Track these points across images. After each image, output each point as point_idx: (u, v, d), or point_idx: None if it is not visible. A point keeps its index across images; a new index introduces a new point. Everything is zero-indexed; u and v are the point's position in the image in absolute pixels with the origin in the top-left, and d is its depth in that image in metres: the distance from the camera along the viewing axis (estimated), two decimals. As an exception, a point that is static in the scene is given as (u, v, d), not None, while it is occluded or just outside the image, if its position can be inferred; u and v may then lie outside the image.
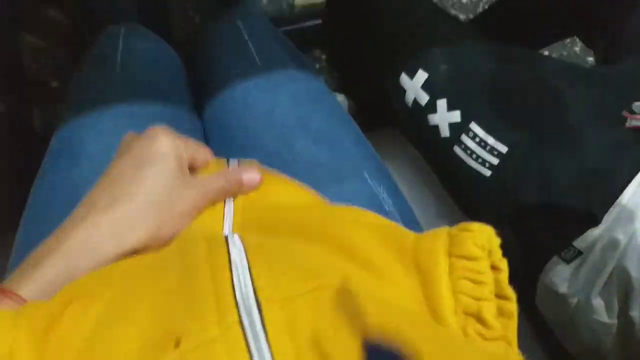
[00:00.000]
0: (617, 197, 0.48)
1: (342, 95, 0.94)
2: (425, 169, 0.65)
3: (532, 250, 0.52)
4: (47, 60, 0.94)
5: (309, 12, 1.10)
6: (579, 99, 0.53)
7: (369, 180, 0.49)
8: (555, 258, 0.50)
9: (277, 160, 0.49)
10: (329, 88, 1.00)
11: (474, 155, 0.53)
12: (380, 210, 0.46)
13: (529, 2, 0.79)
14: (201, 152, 0.37)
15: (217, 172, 0.36)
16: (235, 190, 0.36)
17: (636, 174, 0.48)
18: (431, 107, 0.56)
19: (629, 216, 0.47)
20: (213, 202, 0.35)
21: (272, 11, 1.13)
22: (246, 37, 0.56)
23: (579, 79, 0.56)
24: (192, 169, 0.36)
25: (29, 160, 0.54)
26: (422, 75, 0.56)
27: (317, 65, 1.10)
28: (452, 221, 0.29)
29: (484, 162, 0.53)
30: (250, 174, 0.36)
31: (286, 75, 0.54)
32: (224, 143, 0.52)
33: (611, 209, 0.48)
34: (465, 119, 0.54)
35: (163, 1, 0.87)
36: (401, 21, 0.57)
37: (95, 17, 0.93)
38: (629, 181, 0.48)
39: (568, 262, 0.50)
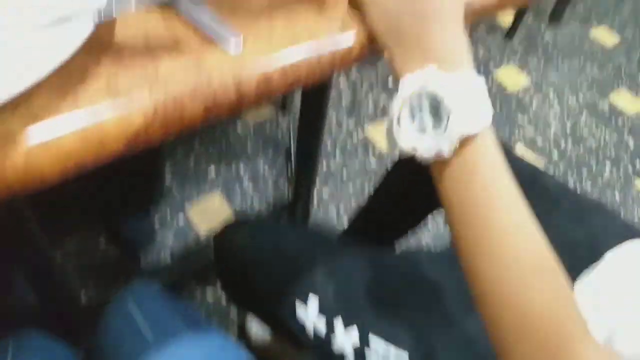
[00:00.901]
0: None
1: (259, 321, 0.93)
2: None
3: None
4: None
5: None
6: (454, 284, 0.57)
7: None
8: None
9: None
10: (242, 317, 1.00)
11: None
12: None
13: (386, 203, 0.88)
14: None
15: None
16: None
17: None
18: (330, 332, 0.57)
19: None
20: None
21: (183, 244, 1.19)
22: (136, 317, 0.57)
23: (449, 264, 0.60)
24: None
25: None
26: (314, 302, 0.58)
27: (225, 304, 1.13)
28: None
29: None
30: None
31: (181, 344, 0.54)
32: None
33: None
34: (363, 334, 0.55)
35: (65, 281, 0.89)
36: (277, 261, 0.61)
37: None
38: None
39: None
